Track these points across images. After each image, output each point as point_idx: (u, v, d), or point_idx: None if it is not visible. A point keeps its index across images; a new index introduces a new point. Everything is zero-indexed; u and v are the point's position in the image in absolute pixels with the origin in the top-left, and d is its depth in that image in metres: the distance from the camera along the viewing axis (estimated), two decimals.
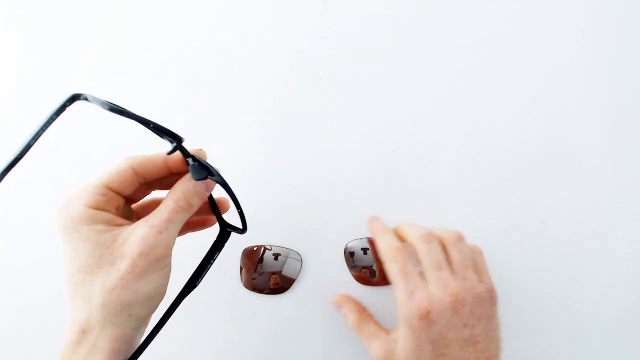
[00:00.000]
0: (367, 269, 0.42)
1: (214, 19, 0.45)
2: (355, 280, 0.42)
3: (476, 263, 0.36)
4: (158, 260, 0.27)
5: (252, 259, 0.42)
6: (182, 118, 0.44)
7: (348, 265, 0.43)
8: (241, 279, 0.43)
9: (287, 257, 0.42)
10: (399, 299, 0.34)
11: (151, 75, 0.45)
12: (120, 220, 0.29)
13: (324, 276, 0.43)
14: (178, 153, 0.28)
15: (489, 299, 0.34)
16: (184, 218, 0.29)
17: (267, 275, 0.42)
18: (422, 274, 0.34)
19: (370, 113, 0.44)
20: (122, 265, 0.26)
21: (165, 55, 0.45)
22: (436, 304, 0.32)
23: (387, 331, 0.36)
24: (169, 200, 0.28)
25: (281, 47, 0.45)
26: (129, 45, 0.45)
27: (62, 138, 0.44)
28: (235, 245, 0.43)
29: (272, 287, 0.42)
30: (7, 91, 0.45)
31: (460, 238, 0.36)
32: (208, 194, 0.30)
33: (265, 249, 0.42)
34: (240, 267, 0.43)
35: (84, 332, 0.26)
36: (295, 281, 0.42)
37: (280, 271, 0.42)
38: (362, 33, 0.45)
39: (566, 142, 0.44)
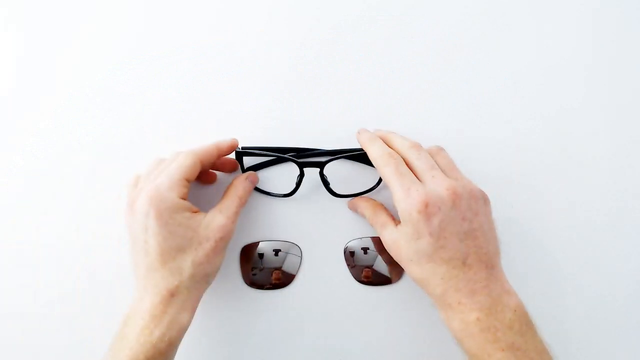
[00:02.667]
0: (369, 268, 0.42)
1: (213, 18, 0.45)
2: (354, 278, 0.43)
3: (459, 172, 0.38)
4: (228, 241, 0.37)
5: (250, 255, 0.43)
6: (181, 118, 0.44)
7: (348, 265, 0.43)
8: (242, 276, 0.43)
9: (287, 252, 0.42)
10: (397, 198, 0.34)
11: (151, 75, 0.45)
12: (194, 206, 0.36)
13: (323, 271, 0.43)
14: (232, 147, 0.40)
15: (482, 198, 0.35)
16: (241, 209, 0.39)
17: (268, 271, 0.42)
18: (415, 174, 0.36)
19: (369, 111, 0.44)
20: (208, 246, 0.35)
21: (166, 55, 0.45)
22: (433, 197, 0.33)
23: (397, 222, 0.37)
24: (235, 197, 0.38)
25: (281, 47, 0.45)
26: (129, 45, 0.45)
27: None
28: (235, 242, 0.43)
29: (273, 282, 0.42)
30: (7, 91, 0.45)
31: (441, 149, 0.39)
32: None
33: (260, 243, 0.43)
34: (240, 264, 0.43)
35: (172, 295, 0.34)
36: (295, 276, 0.43)
37: (281, 267, 0.42)
38: (362, 31, 0.45)
39: (566, 142, 0.44)
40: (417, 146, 0.37)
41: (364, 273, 0.42)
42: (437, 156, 0.38)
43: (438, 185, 0.34)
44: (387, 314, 0.43)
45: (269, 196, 0.43)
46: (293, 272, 0.43)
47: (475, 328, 0.32)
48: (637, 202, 0.44)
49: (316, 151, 0.43)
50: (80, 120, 0.44)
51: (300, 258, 0.43)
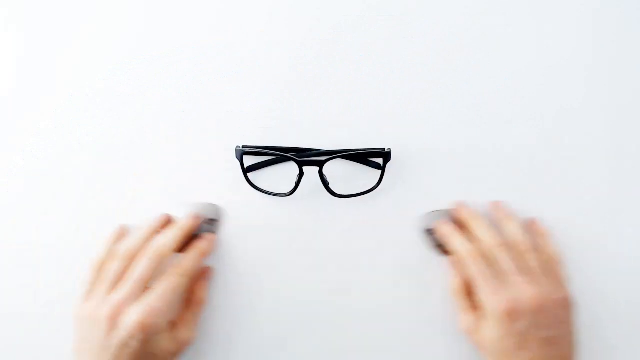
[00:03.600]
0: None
1: (213, 18, 0.45)
2: None
3: (555, 271, 0.40)
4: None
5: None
6: (181, 118, 0.44)
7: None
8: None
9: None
10: (485, 297, 0.37)
11: (151, 75, 0.45)
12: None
13: (321, 270, 0.43)
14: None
15: (569, 305, 0.38)
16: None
17: None
18: (502, 275, 0.38)
19: (369, 111, 0.44)
20: None
21: (166, 55, 0.45)
22: (519, 304, 0.35)
23: (479, 309, 0.39)
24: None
25: (281, 47, 0.45)
26: (129, 45, 0.45)
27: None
28: (237, 242, 0.43)
29: None
30: (7, 91, 0.45)
31: (536, 247, 0.40)
32: None
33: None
34: None
35: None
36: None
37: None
38: (362, 31, 0.45)
39: (566, 143, 0.44)
40: (508, 244, 0.39)
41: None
42: (529, 256, 0.39)
43: (524, 293, 0.36)
44: (386, 313, 0.43)
45: (269, 196, 0.43)
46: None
47: None
48: (637, 202, 0.44)
49: (316, 151, 0.43)
50: (80, 120, 0.44)
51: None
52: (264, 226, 0.43)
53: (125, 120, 0.44)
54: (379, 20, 0.45)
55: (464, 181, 0.44)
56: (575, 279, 0.43)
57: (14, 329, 0.43)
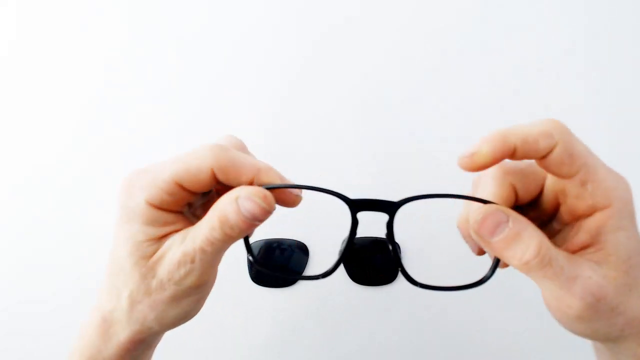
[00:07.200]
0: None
1: (215, 19, 0.45)
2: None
3: None
4: (191, 288, 0.24)
5: (257, 252, 0.42)
6: (181, 117, 0.44)
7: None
8: (250, 274, 0.43)
9: (294, 250, 0.42)
10: (608, 177, 0.22)
11: (151, 75, 0.45)
12: (179, 224, 0.24)
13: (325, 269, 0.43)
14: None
15: None
16: (222, 248, 0.24)
17: (274, 269, 0.42)
18: None
19: (369, 112, 0.44)
20: (153, 285, 0.23)
21: (166, 56, 0.45)
22: None
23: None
24: (205, 225, 0.23)
25: (282, 47, 0.45)
26: (130, 45, 0.45)
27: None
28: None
29: (278, 279, 0.42)
30: (7, 91, 0.45)
31: None
32: (254, 227, 0.25)
33: (273, 242, 0.43)
34: (249, 261, 0.42)
35: (105, 321, 0.24)
36: (302, 274, 0.43)
37: (287, 265, 0.42)
38: (361, 33, 0.45)
39: None
40: None
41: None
42: None
43: None
44: (388, 314, 0.43)
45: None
46: (300, 270, 0.42)
47: None
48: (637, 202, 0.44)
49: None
50: (80, 121, 0.44)
51: (307, 256, 0.43)
52: (265, 225, 0.43)
53: (126, 120, 0.44)
54: (379, 21, 0.45)
55: (464, 180, 0.44)
56: None
57: (14, 329, 0.43)
